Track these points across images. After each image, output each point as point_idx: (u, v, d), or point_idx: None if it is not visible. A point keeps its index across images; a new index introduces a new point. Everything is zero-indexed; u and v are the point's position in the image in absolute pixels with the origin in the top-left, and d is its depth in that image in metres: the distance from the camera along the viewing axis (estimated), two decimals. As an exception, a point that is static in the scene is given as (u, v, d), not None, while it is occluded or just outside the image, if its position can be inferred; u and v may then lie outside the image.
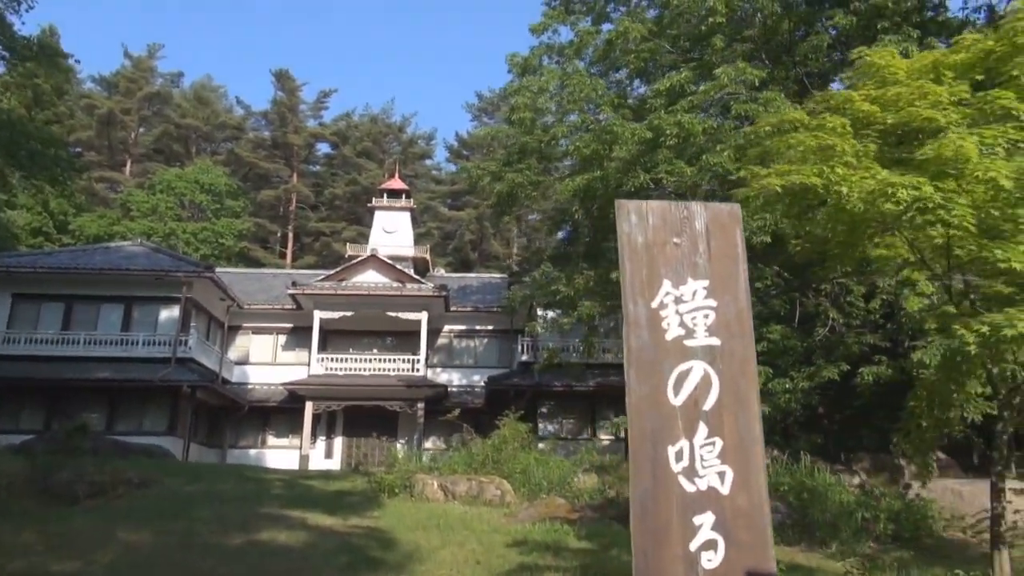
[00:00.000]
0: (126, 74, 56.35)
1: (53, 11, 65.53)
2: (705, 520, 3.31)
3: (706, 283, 3.64)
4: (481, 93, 63.20)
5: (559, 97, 18.51)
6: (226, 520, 10.19)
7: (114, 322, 27.01)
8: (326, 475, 16.37)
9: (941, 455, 16.57)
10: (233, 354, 31.10)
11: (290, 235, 57.47)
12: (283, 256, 55.80)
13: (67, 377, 24.83)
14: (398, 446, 29.65)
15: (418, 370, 28.94)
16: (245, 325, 31.40)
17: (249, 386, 30.57)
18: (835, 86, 21.57)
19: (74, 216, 46.62)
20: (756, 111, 13.99)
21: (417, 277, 31.58)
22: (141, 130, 59.83)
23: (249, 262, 49.15)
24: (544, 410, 26.38)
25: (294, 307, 30.18)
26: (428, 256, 37.62)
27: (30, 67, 48.38)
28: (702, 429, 3.44)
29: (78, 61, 54.87)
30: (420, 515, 10.82)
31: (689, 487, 3.36)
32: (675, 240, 3.70)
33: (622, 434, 24.44)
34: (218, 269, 33.31)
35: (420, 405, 28.15)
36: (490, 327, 31.64)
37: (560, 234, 24.85)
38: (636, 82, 22.34)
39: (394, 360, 29.29)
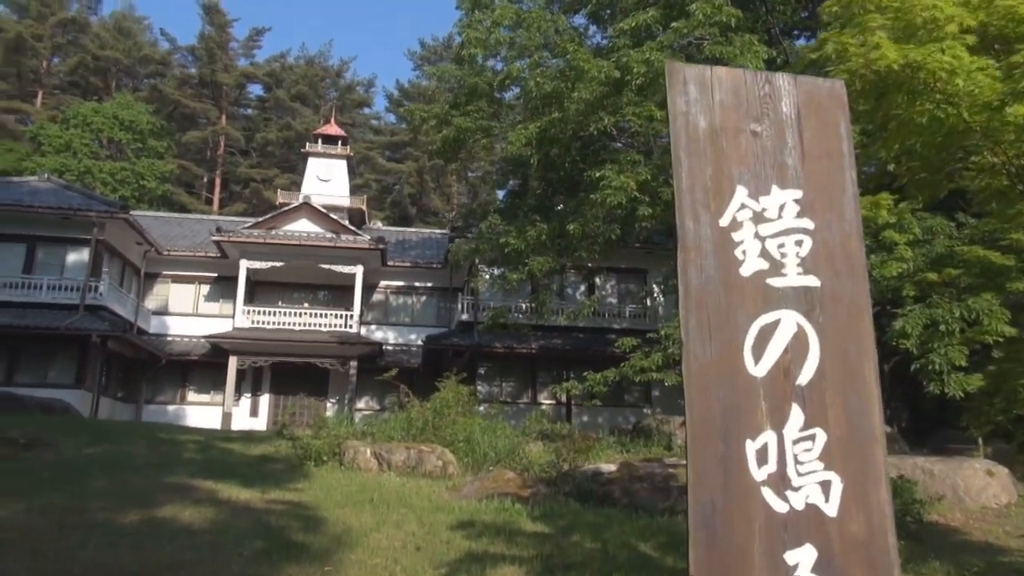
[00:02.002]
0: (38, -4, 51.72)
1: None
2: (802, 558, 2.14)
3: (798, 194, 2.44)
4: (424, 41, 60.67)
5: (514, 35, 17.01)
6: (124, 492, 8.70)
7: (15, 264, 24.58)
8: (247, 437, 14.86)
9: (888, 428, 16.15)
10: (151, 303, 28.93)
11: (217, 180, 54.38)
12: (210, 203, 52.80)
13: (-41, 322, 22.45)
14: (328, 406, 28.26)
15: (351, 326, 27.39)
16: (165, 273, 29.20)
17: (168, 338, 28.51)
18: (800, 42, 20.69)
19: (-23, 149, 42.87)
20: (731, 54, 12.86)
21: (353, 228, 29.85)
22: (55, 60, 55.37)
23: (173, 207, 46.19)
24: (483, 372, 25.25)
25: (218, 255, 28.14)
26: (365, 208, 35.73)
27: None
28: (796, 415, 2.25)
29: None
30: (351, 488, 9.54)
31: (778, 505, 2.18)
32: (753, 127, 2.47)
33: (564, 398, 23.60)
34: (138, 213, 30.91)
35: (353, 363, 26.69)
36: (429, 284, 30.27)
37: (509, 184, 23.48)
38: (592, 29, 21.00)
39: (326, 315, 27.66)
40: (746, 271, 2.35)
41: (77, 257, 24.88)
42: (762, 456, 2.20)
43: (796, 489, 2.19)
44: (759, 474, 2.19)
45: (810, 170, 2.46)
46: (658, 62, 13.52)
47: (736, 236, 2.37)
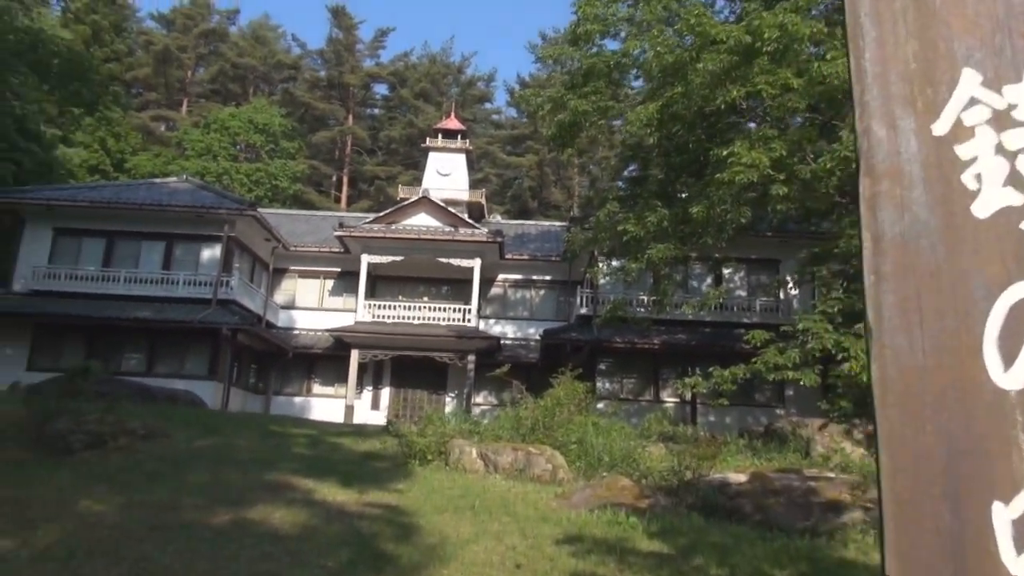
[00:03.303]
0: (183, 10, 55.13)
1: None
2: None
3: (1074, 80, 1.41)
4: (545, 33, 59.97)
5: (633, 9, 15.92)
6: (221, 489, 8.47)
7: (155, 260, 25.87)
8: (359, 431, 14.65)
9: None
10: (279, 298, 29.79)
11: (345, 179, 56.03)
12: (338, 201, 54.48)
13: (107, 316, 23.82)
14: (447, 400, 28.15)
15: (470, 320, 27.07)
16: (292, 268, 30.00)
17: (295, 331, 29.27)
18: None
19: (131, 155, 46.03)
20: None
21: (471, 222, 29.55)
22: (200, 70, 58.86)
23: (304, 205, 47.91)
24: (603, 368, 24.22)
25: (341, 250, 28.57)
26: (484, 201, 35.50)
27: (88, 1, 47.70)
28: (1086, 458, 1.25)
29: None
30: (453, 491, 8.91)
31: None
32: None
33: (688, 397, 22.24)
34: (267, 211, 31.97)
35: (471, 357, 26.35)
36: (547, 277, 29.52)
37: (628, 171, 22.33)
38: (719, 3, 19.50)
39: (445, 309, 27.48)
40: (983, 210, 1.37)
41: (210, 253, 25.87)
42: (1022, 533, 1.23)
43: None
44: (1019, 566, 1.22)
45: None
46: (792, 26, 12.12)
47: (963, 151, 1.40)
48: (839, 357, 12.44)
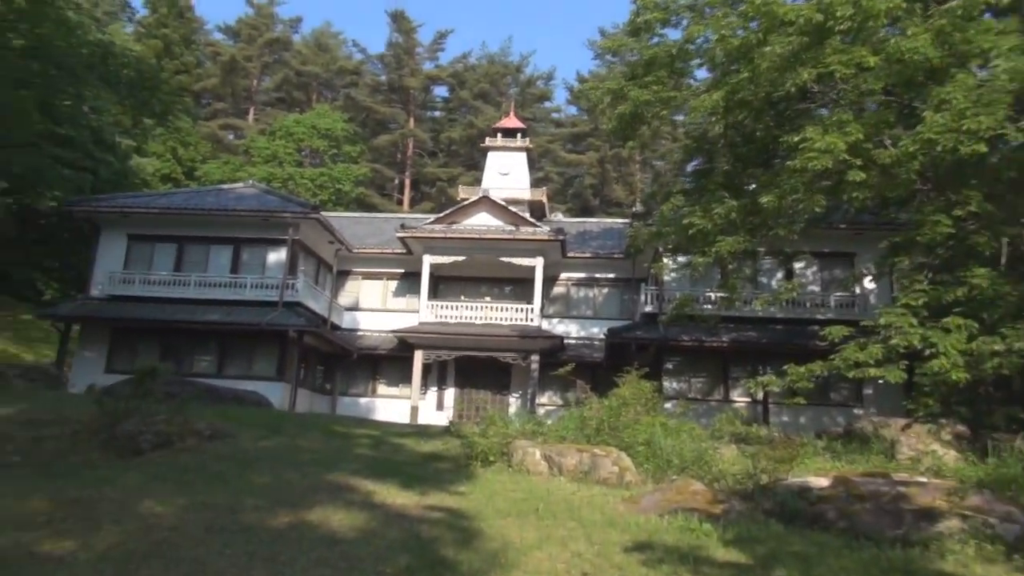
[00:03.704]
0: (248, 20, 56.53)
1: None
2: None
3: None
4: (604, 29, 59.28)
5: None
6: (282, 490, 8.37)
7: (224, 264, 26.39)
8: (422, 432, 14.48)
9: None
10: (344, 299, 30.08)
11: (407, 181, 56.51)
12: (400, 203, 55.01)
13: (179, 319, 24.42)
14: (511, 400, 27.90)
15: (532, 320, 26.78)
16: (355, 270, 30.26)
17: (359, 332, 29.50)
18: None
19: (200, 163, 47.40)
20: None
21: (532, 220, 29.21)
22: (266, 80, 60.25)
23: (367, 209, 48.51)
24: (670, 367, 23.58)
25: (404, 251, 28.68)
26: (545, 200, 35.15)
27: (159, 16, 49.39)
28: None
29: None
30: (516, 494, 8.61)
31: None
32: None
33: (759, 396, 21.44)
34: (330, 214, 32.36)
35: (535, 357, 26.05)
36: (611, 275, 28.98)
37: (692, 165, 21.68)
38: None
39: (507, 309, 27.26)
40: None
41: (276, 257, 26.25)
42: None
43: None
44: None
45: None
46: (867, 2, 11.40)
47: None
48: (926, 353, 11.64)
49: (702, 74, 18.39)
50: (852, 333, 13.22)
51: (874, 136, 12.04)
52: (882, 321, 12.12)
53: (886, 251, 15.61)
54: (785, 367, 13.74)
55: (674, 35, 18.06)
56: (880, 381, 15.81)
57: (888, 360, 12.17)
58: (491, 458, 10.23)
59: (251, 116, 56.92)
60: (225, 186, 31.99)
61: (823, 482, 8.29)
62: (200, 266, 26.38)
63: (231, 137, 55.51)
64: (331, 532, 6.76)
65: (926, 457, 10.74)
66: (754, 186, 15.32)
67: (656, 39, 17.30)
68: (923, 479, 8.29)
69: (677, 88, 16.75)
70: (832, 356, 12.70)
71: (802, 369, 13.09)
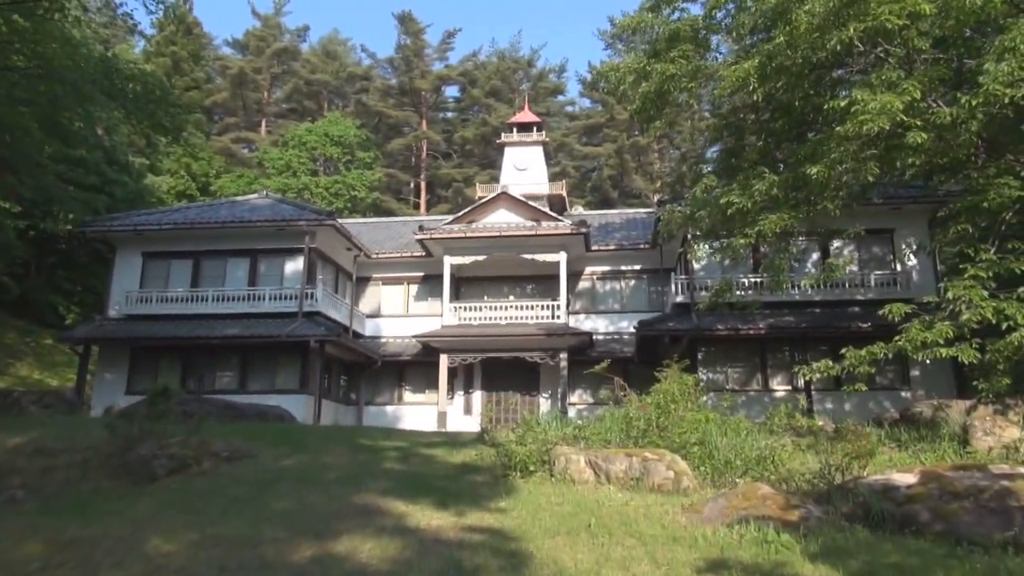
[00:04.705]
0: (255, 32, 56.15)
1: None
2: None
3: None
4: (614, 18, 58.25)
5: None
6: (305, 516, 7.56)
7: (241, 277, 25.80)
8: (452, 440, 13.63)
9: None
10: (364, 307, 29.37)
11: (422, 184, 55.81)
12: (417, 207, 54.31)
13: (197, 335, 23.83)
14: (541, 401, 27.02)
15: (559, 317, 25.89)
16: (375, 276, 29.55)
17: (382, 339, 28.77)
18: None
19: (215, 178, 47.00)
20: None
21: (553, 214, 28.32)
22: (276, 92, 59.85)
23: (383, 214, 47.88)
24: (704, 357, 22.57)
25: (423, 254, 27.92)
26: (564, 194, 34.21)
27: (168, 34, 49.09)
28: None
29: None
30: (564, 508, 7.74)
31: None
32: None
33: (800, 384, 20.40)
34: (346, 220, 31.69)
35: (563, 355, 25.16)
36: (636, 267, 28.00)
37: (717, 147, 20.69)
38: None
39: (532, 307, 26.40)
40: None
41: (293, 266, 25.61)
42: None
43: None
44: None
45: None
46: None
47: None
48: (1003, 327, 10.61)
49: (726, 52, 17.43)
50: (915, 310, 12.17)
51: (929, 95, 11.03)
52: (949, 295, 11.09)
53: (942, 220, 14.52)
54: (843, 350, 12.71)
55: (695, 10, 17.18)
56: (927, 362, 14.75)
57: (960, 338, 11.15)
58: (531, 467, 9.37)
59: (263, 128, 56.51)
60: (239, 198, 31.46)
61: (909, 479, 7.34)
62: (217, 280, 25.81)
63: (244, 151, 55.15)
64: (360, 566, 5.94)
65: (1023, 444, 9.68)
66: (791, 160, 14.32)
67: (678, 14, 16.44)
68: (1027, 470, 7.31)
69: (704, 61, 15.82)
70: (898, 336, 11.67)
71: (863, 352, 12.07)
